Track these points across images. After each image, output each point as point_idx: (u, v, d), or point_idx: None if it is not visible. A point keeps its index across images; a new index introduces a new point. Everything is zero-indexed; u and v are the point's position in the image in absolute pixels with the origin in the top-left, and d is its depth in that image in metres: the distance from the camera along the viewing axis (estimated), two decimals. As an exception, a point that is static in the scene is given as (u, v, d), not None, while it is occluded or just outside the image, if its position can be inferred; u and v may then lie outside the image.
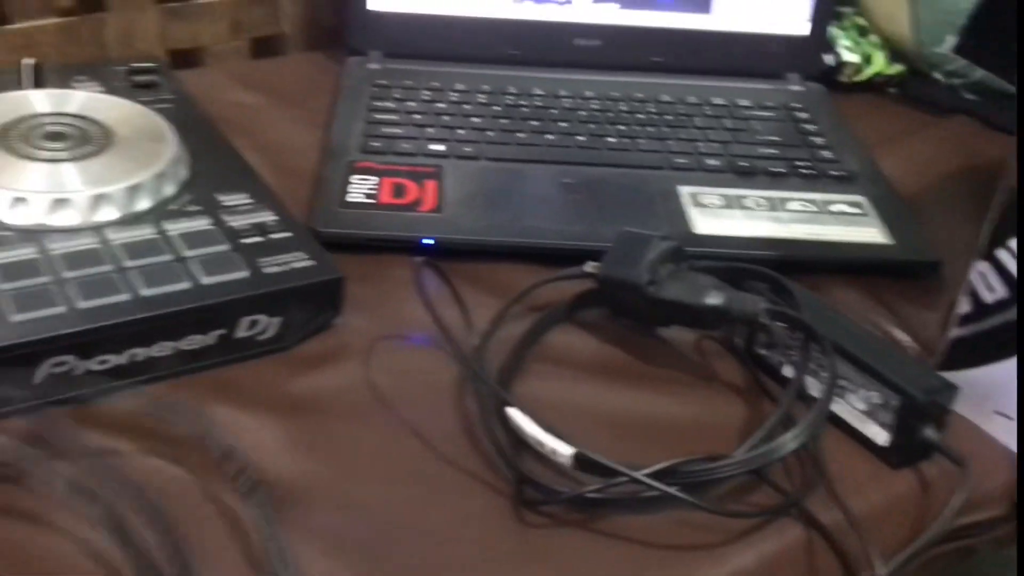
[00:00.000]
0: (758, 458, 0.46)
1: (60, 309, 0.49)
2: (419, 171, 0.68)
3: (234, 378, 0.53)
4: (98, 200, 0.56)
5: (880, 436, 0.51)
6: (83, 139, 0.60)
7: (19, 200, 0.55)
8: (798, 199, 0.68)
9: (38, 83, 0.67)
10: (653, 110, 0.78)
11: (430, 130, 0.73)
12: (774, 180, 0.70)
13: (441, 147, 0.71)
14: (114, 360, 0.50)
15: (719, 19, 0.82)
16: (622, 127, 0.75)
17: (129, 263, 0.53)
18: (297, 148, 0.73)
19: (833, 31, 0.86)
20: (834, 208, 0.67)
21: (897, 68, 0.87)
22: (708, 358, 0.57)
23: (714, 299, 0.52)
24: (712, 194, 0.68)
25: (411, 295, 0.58)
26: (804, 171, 0.71)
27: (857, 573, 0.46)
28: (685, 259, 0.56)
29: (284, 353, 0.55)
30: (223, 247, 0.55)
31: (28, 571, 0.42)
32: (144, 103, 0.67)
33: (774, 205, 0.67)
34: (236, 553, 0.43)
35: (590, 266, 0.57)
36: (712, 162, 0.72)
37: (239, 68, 0.87)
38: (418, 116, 0.75)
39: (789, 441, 0.46)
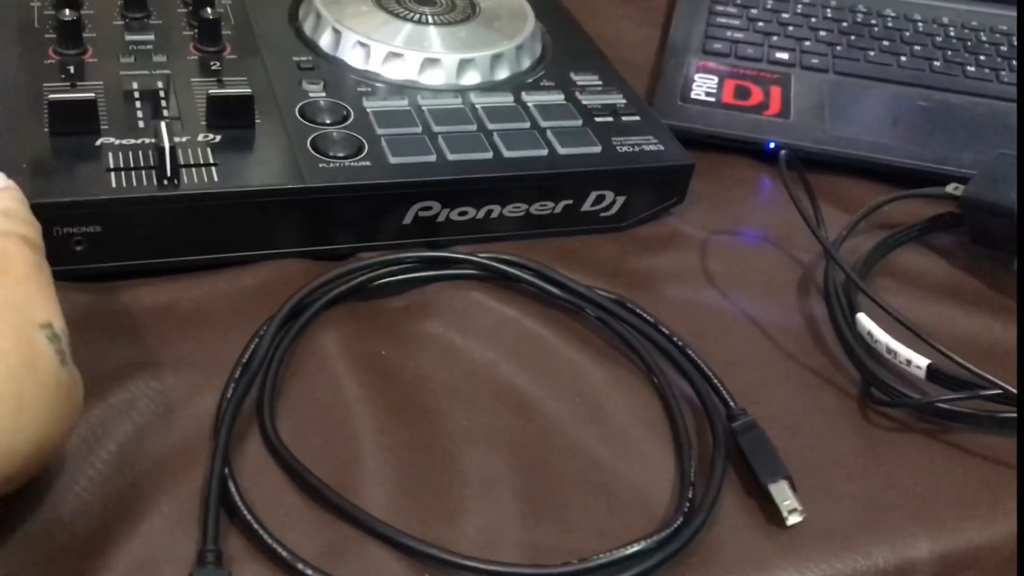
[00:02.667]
0: None
1: (431, 158, 0.51)
2: (763, 76, 0.67)
3: (576, 248, 0.54)
4: (464, 64, 0.58)
5: None
6: (450, 7, 0.63)
7: (394, 55, 0.57)
8: None
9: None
10: (1016, 43, 0.72)
11: (775, 38, 0.71)
12: None
13: (786, 55, 0.69)
14: (472, 213, 0.52)
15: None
16: (982, 57, 0.70)
17: (491, 125, 0.55)
18: (634, 43, 0.73)
19: None
20: None
21: None
22: (1073, 298, 0.53)
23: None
24: (1086, 132, 0.63)
25: (749, 195, 0.57)
26: None
27: None
28: (1065, 189, 0.52)
29: (622, 232, 0.55)
30: (577, 122, 0.56)
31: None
32: (502, -19, 0.68)
33: None
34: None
35: (954, 187, 0.54)
36: (1082, 101, 0.66)
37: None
38: (761, 23, 0.73)
39: None
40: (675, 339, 0.46)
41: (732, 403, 0.43)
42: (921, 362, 0.45)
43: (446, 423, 0.42)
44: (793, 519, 0.39)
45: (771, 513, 0.40)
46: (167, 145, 0.47)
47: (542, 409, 0.43)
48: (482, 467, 0.40)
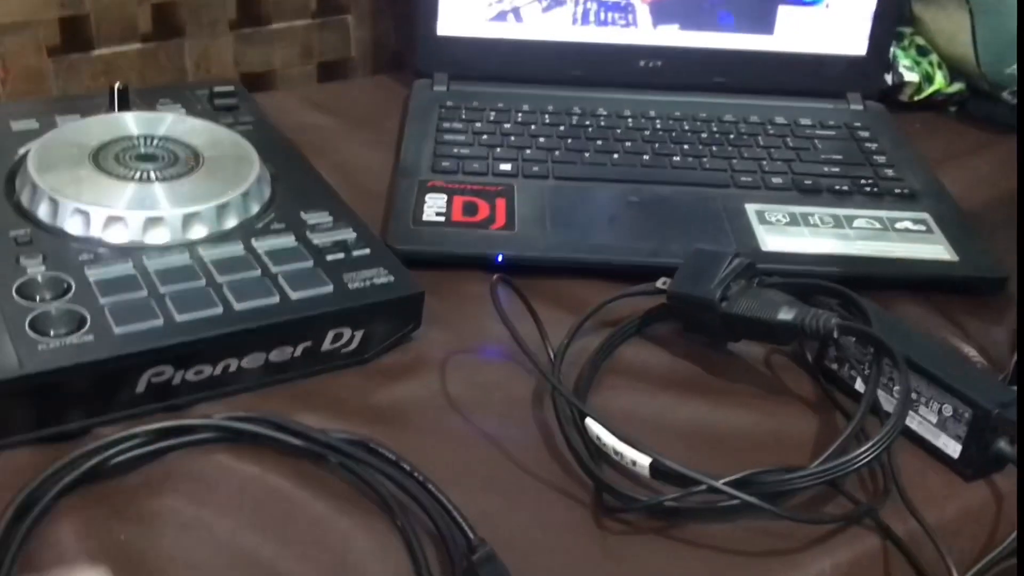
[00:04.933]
0: (835, 468, 0.47)
1: (158, 322, 0.51)
2: (489, 190, 0.70)
3: (320, 388, 0.55)
4: (189, 219, 0.58)
5: (952, 448, 0.51)
6: (173, 160, 0.63)
7: (115, 219, 0.57)
8: (863, 216, 0.69)
9: (125, 106, 0.70)
10: (716, 129, 0.79)
11: (498, 150, 0.75)
12: (838, 198, 0.72)
13: (509, 167, 0.73)
14: (209, 371, 0.52)
15: (781, 40, 0.84)
16: (686, 146, 0.77)
17: (221, 278, 0.55)
18: (368, 168, 0.76)
19: (893, 51, 0.87)
20: (899, 225, 0.68)
21: (958, 87, 0.88)
22: (778, 372, 0.58)
23: (787, 314, 0.53)
24: (778, 211, 0.69)
25: (485, 310, 0.60)
26: (868, 189, 0.72)
27: (930, 582, 0.47)
28: (756, 275, 0.57)
29: (365, 365, 0.57)
30: (308, 263, 0.57)
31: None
32: (226, 125, 0.70)
33: (839, 222, 0.68)
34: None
35: (662, 282, 0.58)
36: (776, 180, 0.73)
37: (309, 91, 0.90)
38: (485, 136, 0.77)
39: (865, 452, 0.47)
40: (416, 474, 0.48)
41: (471, 535, 0.45)
42: (644, 461, 0.48)
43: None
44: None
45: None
46: None
47: (288, 573, 0.44)
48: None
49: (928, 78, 0.87)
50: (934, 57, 0.88)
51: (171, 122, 0.67)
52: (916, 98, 0.87)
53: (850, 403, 0.56)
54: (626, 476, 0.50)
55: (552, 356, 0.56)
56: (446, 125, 0.78)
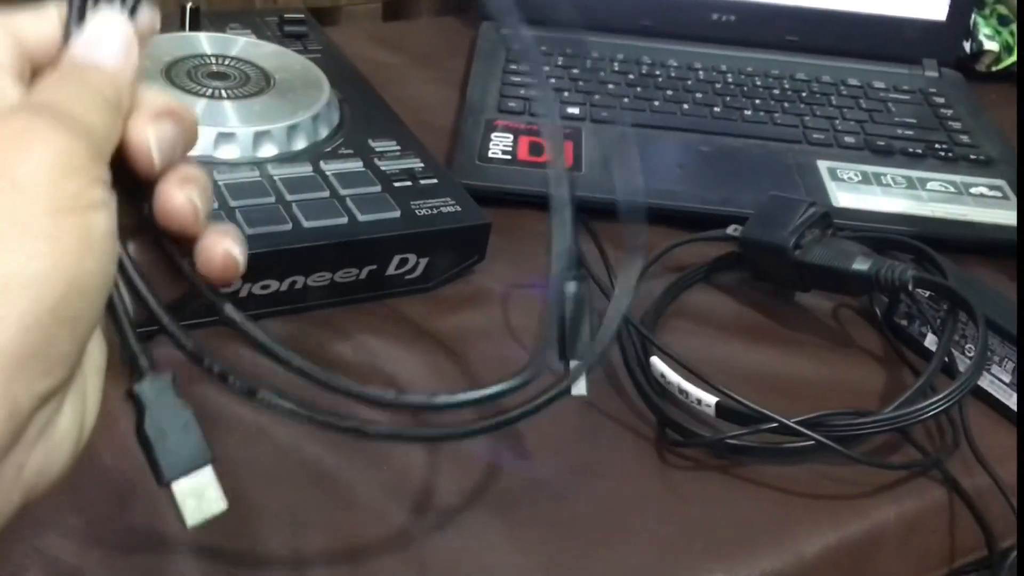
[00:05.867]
0: (906, 416, 0.46)
1: (228, 234, 0.51)
2: (557, 131, 0.70)
3: (382, 311, 0.55)
4: (260, 137, 0.58)
5: (1024, 409, 0.51)
6: (244, 80, 0.63)
7: (187, 131, 0.57)
8: (937, 179, 0.68)
9: (195, 27, 0.70)
10: (788, 87, 0.78)
11: (565, 94, 0.75)
12: (911, 160, 0.70)
13: (577, 110, 0.73)
14: (276, 286, 0.52)
15: (857, 1, 0.82)
16: (757, 100, 0.75)
17: (290, 196, 0.55)
18: (433, 104, 0.75)
19: (974, 18, 0.85)
20: (974, 190, 0.67)
21: (1037, 59, 0.86)
22: (846, 325, 0.57)
23: (862, 264, 0.53)
24: (850, 169, 0.68)
25: (548, 248, 0.59)
26: (942, 154, 0.71)
27: (995, 538, 0.46)
28: (830, 226, 0.56)
29: (428, 293, 0.57)
30: (376, 188, 0.57)
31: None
32: (296, 51, 0.69)
33: (912, 184, 0.67)
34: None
35: (733, 228, 0.57)
36: (848, 139, 0.72)
37: (374, 28, 0.89)
38: (553, 80, 0.76)
39: (938, 402, 0.46)
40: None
41: None
42: (710, 400, 0.48)
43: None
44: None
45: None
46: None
47: (351, 483, 0.44)
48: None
49: (1008, 48, 0.85)
50: (1015, 27, 0.86)
51: (243, 44, 0.67)
52: (994, 68, 0.85)
53: (918, 360, 0.55)
54: (691, 416, 0.49)
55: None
56: (513, 67, 0.77)
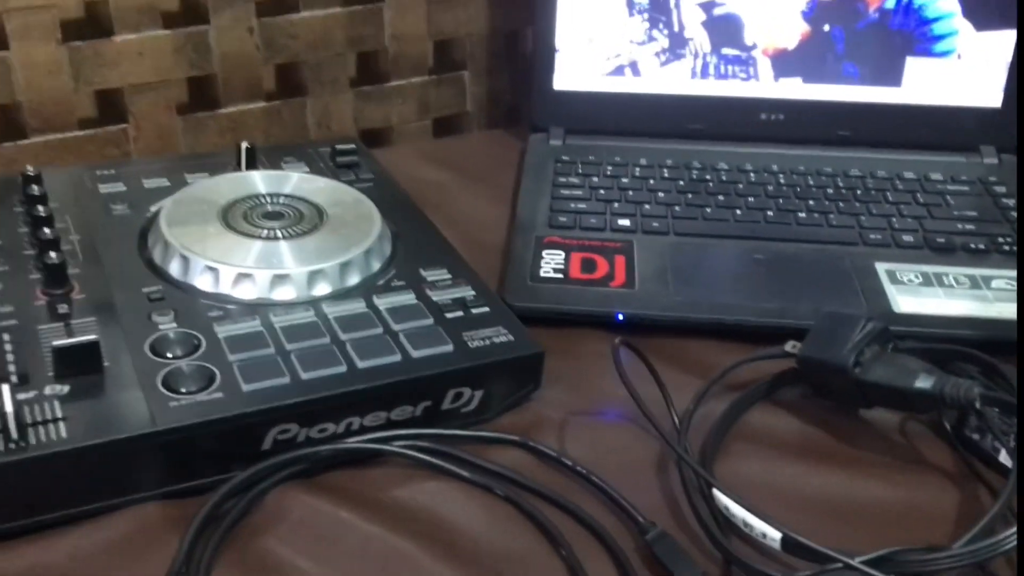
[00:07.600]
0: (982, 550, 0.44)
1: (285, 380, 0.52)
2: (608, 246, 0.70)
3: (438, 448, 0.54)
4: (314, 276, 0.59)
5: (1110, 530, 0.48)
6: (298, 218, 0.64)
7: (244, 276, 0.58)
8: (1002, 277, 0.66)
9: (252, 164, 0.72)
10: (842, 184, 0.77)
11: (616, 204, 0.75)
12: (974, 257, 0.69)
13: (627, 222, 0.73)
14: (332, 428, 0.53)
15: (909, 93, 0.81)
16: (811, 202, 0.75)
17: (344, 336, 0.56)
18: (484, 222, 0.76)
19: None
20: (1041, 287, 0.65)
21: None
22: (915, 441, 0.56)
23: (925, 383, 0.51)
24: (910, 271, 0.67)
25: (605, 369, 0.58)
26: (1007, 248, 0.69)
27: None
28: (890, 340, 0.55)
29: (485, 424, 0.56)
30: (428, 321, 0.58)
31: None
32: (347, 182, 0.71)
33: (976, 283, 0.65)
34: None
35: (791, 346, 0.56)
36: (907, 238, 0.70)
37: (425, 146, 0.91)
38: (603, 191, 0.76)
39: (1015, 533, 0.44)
40: (578, 468, 0.51)
41: (641, 518, 0.48)
42: (775, 535, 0.46)
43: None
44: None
45: None
46: (9, 410, 0.46)
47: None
48: None
49: (1067, 130, 0.83)
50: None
51: (296, 180, 0.69)
52: (1055, 151, 0.83)
53: (994, 476, 0.53)
54: (755, 548, 0.48)
55: (676, 422, 0.54)
56: (562, 180, 0.78)
